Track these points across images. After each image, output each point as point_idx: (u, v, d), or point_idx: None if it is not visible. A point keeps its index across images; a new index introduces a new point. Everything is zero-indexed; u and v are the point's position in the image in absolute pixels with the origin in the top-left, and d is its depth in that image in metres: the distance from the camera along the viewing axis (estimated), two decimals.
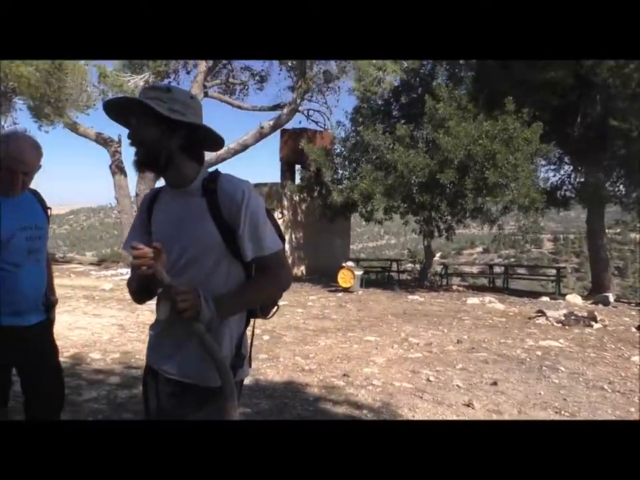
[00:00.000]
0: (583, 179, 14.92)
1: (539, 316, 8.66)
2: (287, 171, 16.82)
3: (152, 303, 1.60)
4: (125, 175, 15.44)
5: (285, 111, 15.82)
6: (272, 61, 16.93)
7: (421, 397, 4.26)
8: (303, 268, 15.95)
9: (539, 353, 6.05)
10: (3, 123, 14.01)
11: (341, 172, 14.20)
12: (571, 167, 15.66)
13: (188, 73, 17.34)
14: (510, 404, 4.18)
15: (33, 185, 2.26)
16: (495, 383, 4.69)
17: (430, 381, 4.75)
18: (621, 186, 14.57)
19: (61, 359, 2.52)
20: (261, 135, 16.01)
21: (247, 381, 1.67)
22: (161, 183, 1.63)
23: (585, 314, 8.51)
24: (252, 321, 1.62)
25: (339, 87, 16.21)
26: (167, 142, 1.47)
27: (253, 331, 1.64)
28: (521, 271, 17.99)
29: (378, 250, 78.11)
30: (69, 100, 12.96)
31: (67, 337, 5.94)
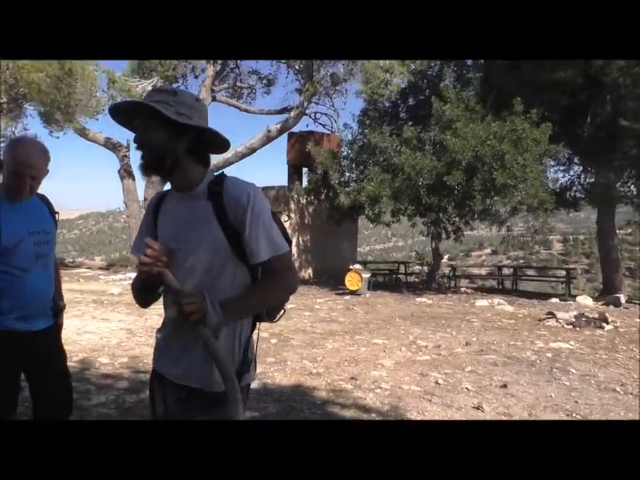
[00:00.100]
0: (593, 180, 14.80)
1: (549, 318, 8.59)
2: (294, 174, 16.85)
3: (160, 307, 1.59)
4: (134, 180, 15.54)
5: (292, 114, 15.86)
6: (279, 64, 17.01)
7: (430, 400, 4.23)
8: (310, 271, 15.95)
9: (549, 354, 5.99)
10: (14, 129, 14.15)
11: (348, 174, 14.20)
12: (581, 168, 15.54)
13: (196, 77, 17.47)
14: (520, 407, 4.14)
15: (41, 190, 2.27)
16: (504, 386, 4.65)
17: (439, 383, 4.72)
18: (632, 186, 14.44)
19: (70, 364, 2.53)
20: (268, 138, 16.06)
21: (254, 385, 1.66)
22: (168, 187, 1.63)
23: (596, 315, 8.43)
24: (257, 324, 1.61)
25: (346, 90, 16.27)
26: (174, 145, 1.47)
27: (258, 335, 1.63)
28: (530, 272, 17.85)
29: (385, 252, 77.94)
30: (78, 105, 13.06)
31: (75, 342, 5.96)
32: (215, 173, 1.56)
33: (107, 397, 4.10)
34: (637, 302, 12.64)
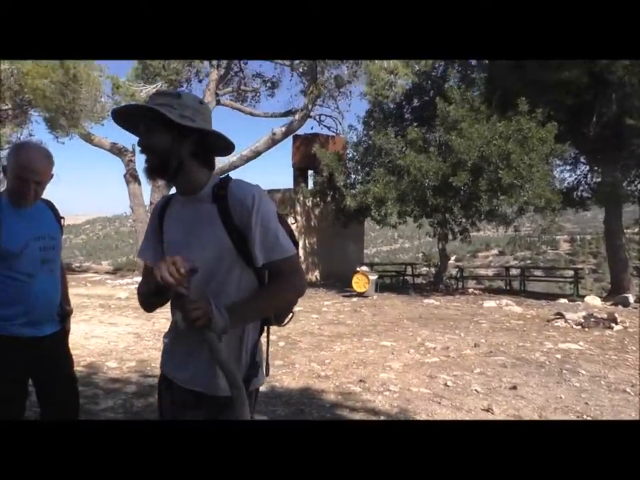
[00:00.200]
0: (599, 179, 14.71)
1: (558, 318, 8.53)
2: (300, 176, 16.85)
3: (167, 310, 1.58)
4: (140, 184, 15.59)
5: (297, 116, 15.86)
6: (283, 67, 17.02)
7: (439, 403, 4.20)
8: (317, 273, 15.93)
9: (558, 355, 5.94)
10: (19, 135, 14.24)
11: (353, 176, 14.18)
12: (587, 167, 15.46)
13: (200, 81, 17.52)
14: (530, 408, 4.10)
15: (47, 196, 2.27)
16: (514, 387, 4.61)
17: (448, 385, 4.69)
18: (639, 185, 14.35)
19: (78, 368, 2.53)
20: (273, 141, 16.07)
21: (262, 388, 1.65)
22: (174, 191, 1.62)
23: (605, 315, 8.37)
24: (267, 328, 1.60)
25: (350, 92, 16.25)
26: (178, 148, 1.46)
27: (268, 338, 1.61)
28: (538, 272, 17.72)
29: (392, 254, 77.80)
30: (83, 111, 13.12)
31: (83, 346, 5.98)
32: (220, 176, 1.55)
33: (114, 401, 4.09)
34: None
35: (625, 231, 15.58)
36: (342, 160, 14.16)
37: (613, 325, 7.84)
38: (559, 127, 11.49)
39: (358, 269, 12.45)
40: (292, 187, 16.67)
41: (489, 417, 3.91)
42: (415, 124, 13.83)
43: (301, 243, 15.27)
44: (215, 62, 15.65)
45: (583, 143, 13.42)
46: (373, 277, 12.23)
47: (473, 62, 14.68)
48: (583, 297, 12.04)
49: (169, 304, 1.56)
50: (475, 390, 4.55)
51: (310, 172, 16.76)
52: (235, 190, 1.46)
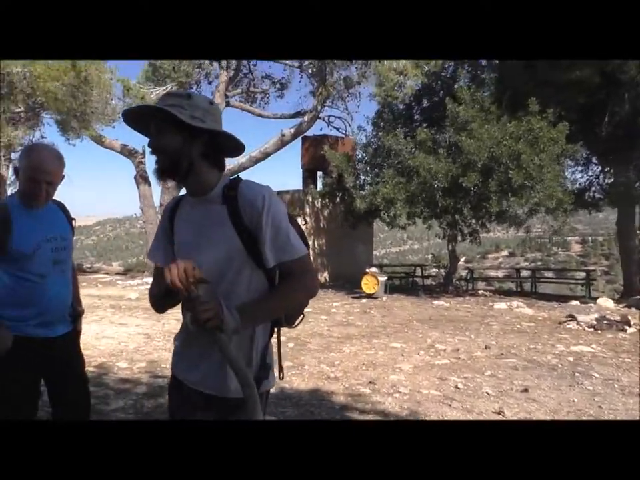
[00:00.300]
0: (612, 179, 14.58)
1: (570, 320, 8.45)
2: (309, 177, 16.87)
3: (177, 311, 1.58)
4: (150, 186, 15.68)
5: (306, 117, 15.88)
6: (292, 68, 17.06)
7: (450, 405, 4.17)
8: (326, 274, 15.93)
9: (570, 358, 5.88)
10: (31, 138, 14.38)
11: (362, 178, 14.15)
12: (600, 168, 15.32)
13: (210, 83, 17.62)
14: (542, 412, 4.06)
15: (57, 197, 2.28)
16: (526, 390, 4.57)
17: (458, 388, 4.65)
18: None
19: (89, 369, 2.55)
20: (282, 143, 16.10)
21: (272, 389, 1.64)
22: (184, 192, 1.62)
23: (618, 318, 8.27)
24: (278, 330, 1.59)
25: (359, 93, 16.26)
26: (188, 149, 1.45)
27: (279, 340, 1.60)
28: (549, 274, 17.64)
29: (401, 255, 77.63)
30: (94, 113, 13.23)
31: (94, 347, 6.01)
32: (230, 177, 1.54)
33: (125, 401, 4.11)
34: None
35: (638, 232, 15.43)
36: (351, 161, 14.15)
37: (626, 327, 7.75)
38: (570, 127, 11.39)
39: (367, 270, 12.42)
40: (301, 188, 16.69)
41: (500, 419, 3.87)
42: (425, 125, 13.79)
43: (309, 244, 15.25)
44: (224, 63, 15.72)
45: (595, 143, 13.30)
46: (383, 279, 12.20)
47: (483, 62, 14.62)
48: (595, 298, 11.93)
49: (179, 305, 1.56)
50: (486, 392, 4.51)
51: (319, 173, 16.77)
52: (245, 191, 1.45)
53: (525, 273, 16.98)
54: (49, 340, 2.17)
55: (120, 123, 14.01)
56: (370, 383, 4.77)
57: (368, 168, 14.14)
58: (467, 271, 16.37)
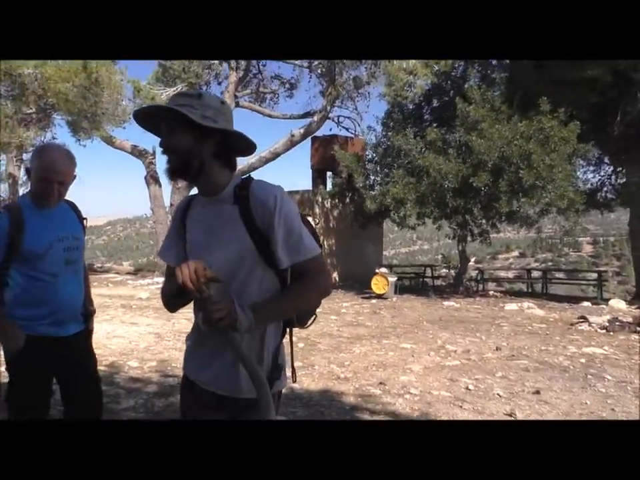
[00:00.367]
0: (624, 179, 14.42)
1: (581, 322, 8.37)
2: (319, 177, 16.87)
3: (188, 311, 1.58)
4: (160, 186, 15.77)
5: (316, 118, 15.87)
6: (302, 68, 17.06)
7: (461, 407, 4.14)
8: (335, 275, 15.91)
9: (582, 360, 5.83)
10: (43, 139, 14.52)
11: (372, 178, 14.12)
12: (612, 167, 15.16)
13: (219, 83, 17.66)
14: (554, 414, 4.02)
15: (69, 197, 2.30)
16: (537, 392, 4.53)
17: (469, 389, 4.62)
18: None
19: (100, 368, 2.55)
20: (292, 143, 16.11)
21: (282, 389, 1.63)
22: (195, 192, 1.61)
23: (630, 319, 8.18)
24: (290, 330, 1.58)
25: (369, 93, 16.23)
26: (199, 149, 1.45)
27: (292, 341, 1.59)
28: (560, 275, 17.51)
29: (411, 256, 77.40)
30: (105, 114, 13.33)
31: (105, 346, 6.05)
32: (242, 177, 1.54)
33: (136, 400, 4.13)
34: None
35: None
36: (361, 161, 14.13)
37: (639, 329, 7.66)
38: (581, 127, 11.28)
39: (377, 270, 12.40)
40: (311, 188, 16.69)
41: (511, 420, 3.84)
42: (435, 125, 13.74)
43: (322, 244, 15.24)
44: (233, 64, 15.76)
45: (607, 142, 13.16)
46: (392, 279, 12.17)
47: (494, 62, 14.52)
48: (607, 300, 11.81)
49: (190, 305, 1.56)
50: (497, 394, 4.48)
51: (329, 173, 16.76)
52: (257, 191, 1.45)
53: (535, 274, 16.86)
54: (61, 339, 2.18)
55: (130, 124, 14.13)
56: (380, 383, 4.75)
57: (378, 168, 14.11)
58: (477, 271, 16.30)
